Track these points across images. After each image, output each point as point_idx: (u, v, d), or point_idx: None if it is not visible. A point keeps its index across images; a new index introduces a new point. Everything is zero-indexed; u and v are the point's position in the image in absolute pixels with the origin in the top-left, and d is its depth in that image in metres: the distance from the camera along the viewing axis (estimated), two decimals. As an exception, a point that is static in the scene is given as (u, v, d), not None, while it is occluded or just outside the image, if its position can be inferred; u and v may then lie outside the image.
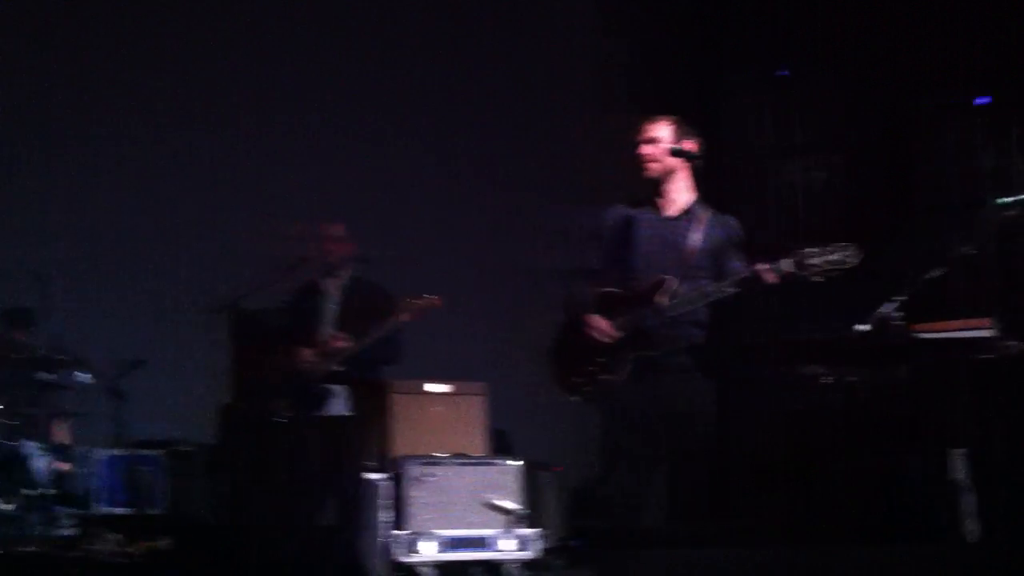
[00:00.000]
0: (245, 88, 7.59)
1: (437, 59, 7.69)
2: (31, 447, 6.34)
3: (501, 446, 5.83)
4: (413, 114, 7.64)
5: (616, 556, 3.85)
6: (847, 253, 4.19)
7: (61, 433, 6.35)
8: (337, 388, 5.77)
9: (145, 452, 6.26)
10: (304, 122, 7.49)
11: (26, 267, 6.31)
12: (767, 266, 4.26)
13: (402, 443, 5.53)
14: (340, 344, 5.74)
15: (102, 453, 6.29)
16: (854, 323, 4.17)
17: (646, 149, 4.58)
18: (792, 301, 4.69)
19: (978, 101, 6.93)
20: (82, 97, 7.29)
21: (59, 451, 6.28)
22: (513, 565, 5.26)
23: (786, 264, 4.24)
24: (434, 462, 5.33)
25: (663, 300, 4.36)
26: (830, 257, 4.19)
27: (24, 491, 6.11)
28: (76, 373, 6.32)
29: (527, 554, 5.27)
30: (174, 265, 7.16)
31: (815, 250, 4.21)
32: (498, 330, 7.09)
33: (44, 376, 6.25)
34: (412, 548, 5.14)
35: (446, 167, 7.56)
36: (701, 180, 4.62)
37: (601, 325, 4.44)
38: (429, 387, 5.72)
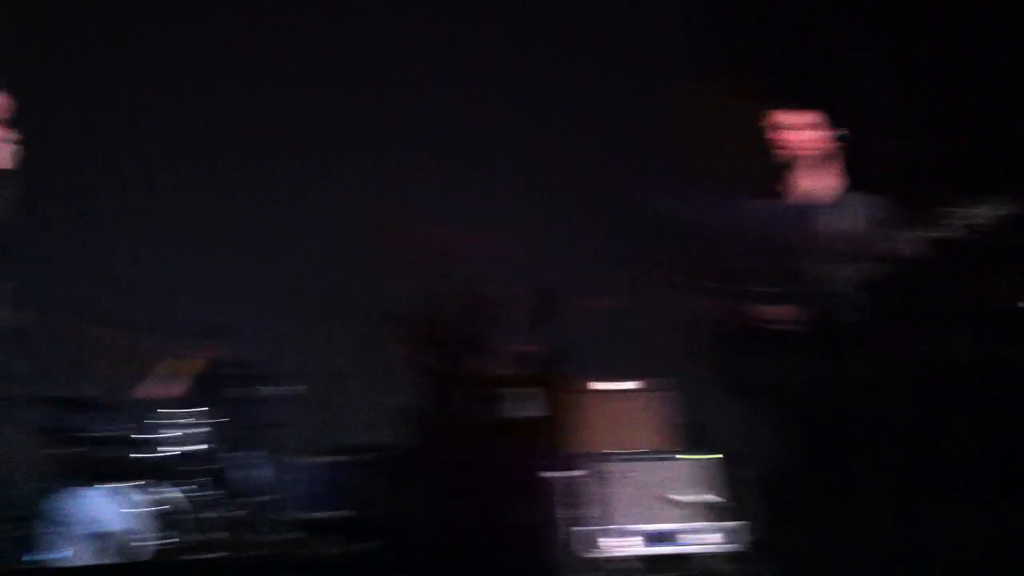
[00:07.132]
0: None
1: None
2: (247, 457, 6.64)
3: (698, 440, 5.83)
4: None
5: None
6: None
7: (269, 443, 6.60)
8: (524, 389, 5.89)
9: (341, 458, 6.46)
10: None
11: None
12: None
13: (590, 441, 5.63)
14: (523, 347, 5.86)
15: (304, 460, 6.54)
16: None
17: None
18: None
19: None
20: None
21: (268, 460, 6.54)
22: (714, 559, 5.28)
23: None
24: (623, 458, 5.41)
25: None
26: None
27: (243, 499, 6.42)
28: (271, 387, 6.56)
29: (728, 547, 5.28)
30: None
31: None
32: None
33: (241, 391, 6.51)
34: (606, 544, 5.22)
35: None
36: None
37: None
38: (614, 385, 5.80)
